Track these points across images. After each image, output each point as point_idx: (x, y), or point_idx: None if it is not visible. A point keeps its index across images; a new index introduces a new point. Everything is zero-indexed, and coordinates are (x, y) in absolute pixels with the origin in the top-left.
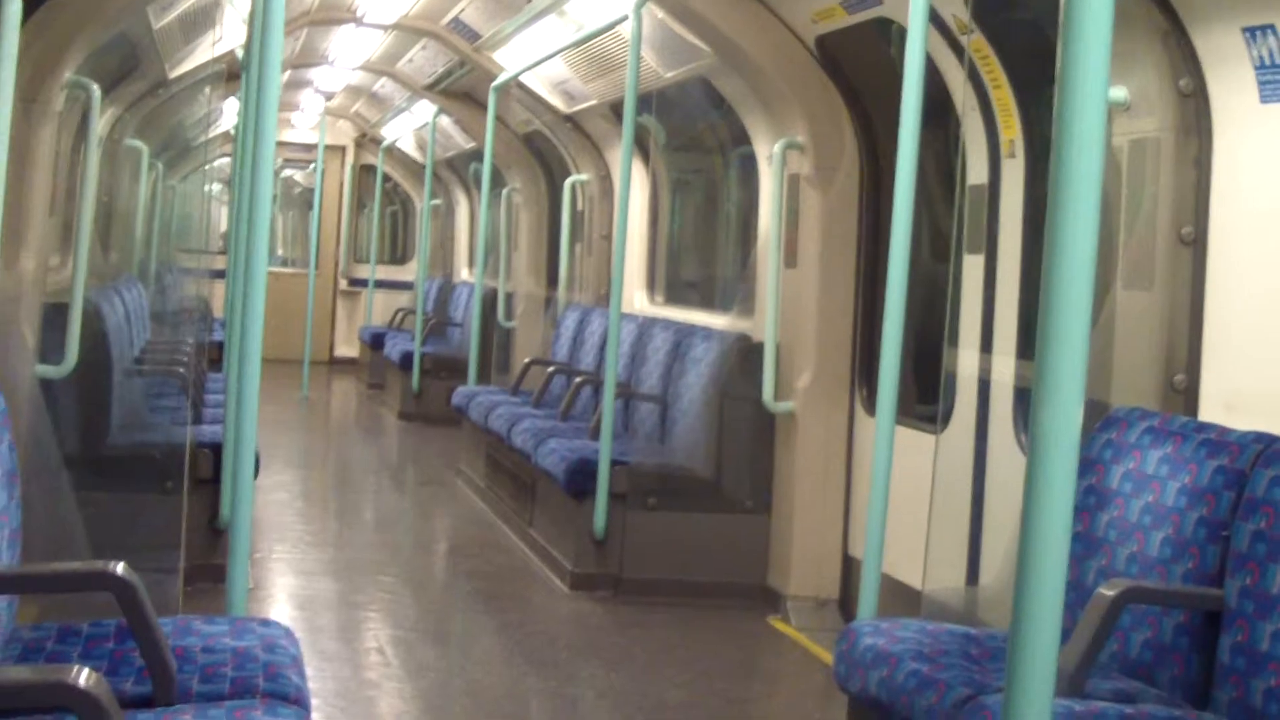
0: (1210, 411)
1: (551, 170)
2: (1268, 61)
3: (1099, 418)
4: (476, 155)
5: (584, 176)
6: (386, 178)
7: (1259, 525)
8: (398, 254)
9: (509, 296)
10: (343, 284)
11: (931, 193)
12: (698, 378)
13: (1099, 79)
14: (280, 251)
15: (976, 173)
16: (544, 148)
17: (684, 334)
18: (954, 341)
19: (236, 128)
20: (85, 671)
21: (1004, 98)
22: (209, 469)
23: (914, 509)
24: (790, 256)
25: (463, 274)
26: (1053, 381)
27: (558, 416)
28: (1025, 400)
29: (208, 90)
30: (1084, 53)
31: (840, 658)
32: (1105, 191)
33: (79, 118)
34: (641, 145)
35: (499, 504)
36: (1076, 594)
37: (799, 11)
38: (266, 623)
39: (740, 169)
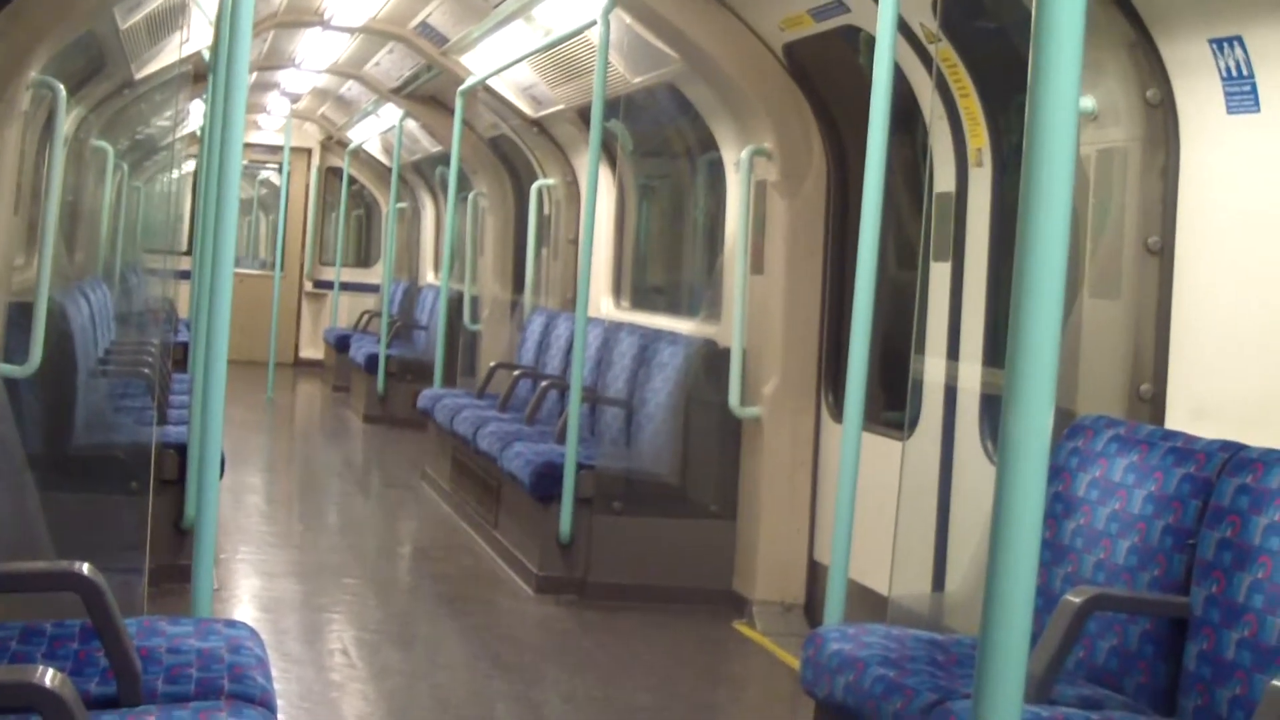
0: (1176, 420)
1: (518, 174)
2: (1234, 73)
3: (1066, 425)
4: (443, 159)
5: (550, 181)
6: (352, 180)
7: (1225, 534)
8: (363, 257)
9: (475, 300)
10: (308, 286)
11: (898, 201)
12: (664, 382)
13: (1070, 88)
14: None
15: (944, 181)
16: (510, 152)
17: (650, 339)
18: (921, 348)
19: (203, 129)
20: (50, 672)
21: (971, 106)
22: (174, 470)
23: (880, 515)
24: (757, 263)
25: (428, 277)
26: (1022, 389)
27: (524, 420)
28: (992, 407)
29: (174, 91)
30: (1055, 62)
31: (807, 663)
32: (1073, 201)
33: (44, 118)
34: (608, 150)
35: (464, 507)
36: (1043, 601)
37: (767, 19)
38: (232, 624)
39: (707, 175)
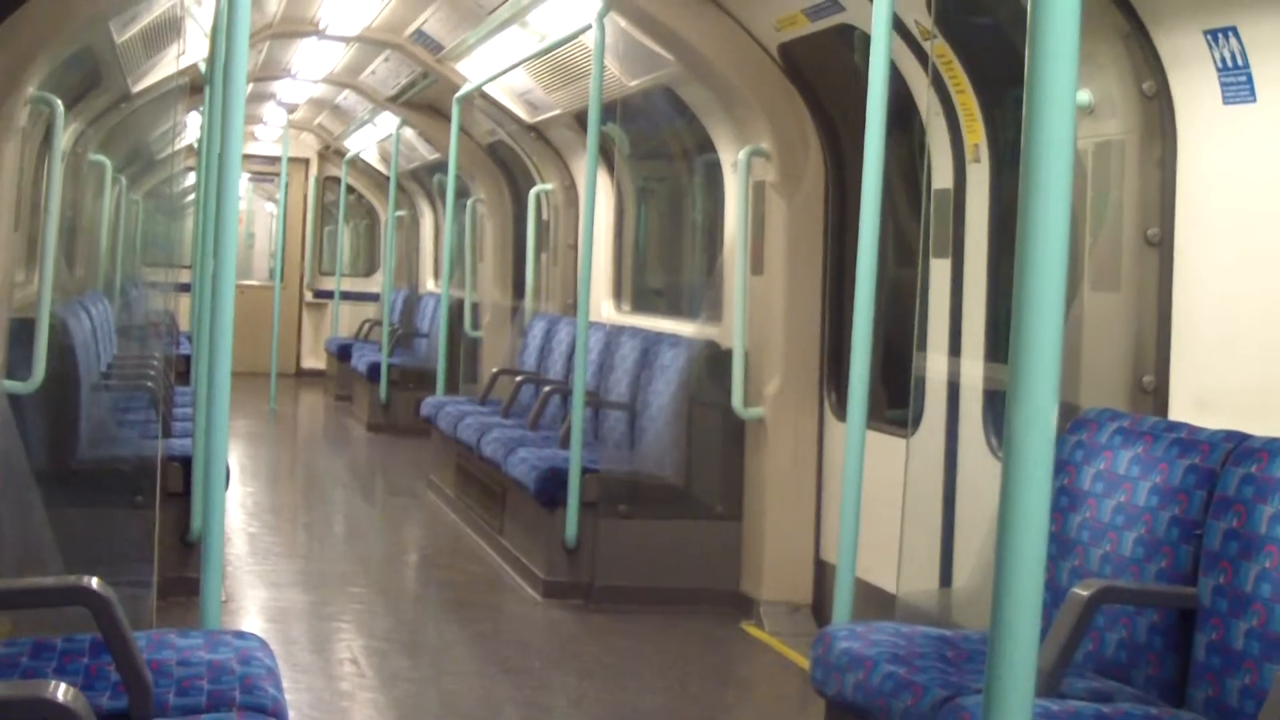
0: (1180, 411)
1: (516, 180)
2: (1230, 64)
3: (1069, 419)
4: (441, 166)
5: (549, 186)
6: (351, 190)
7: (1231, 524)
8: (363, 266)
9: (475, 306)
10: (308, 296)
11: (897, 198)
12: (666, 385)
13: (1067, 82)
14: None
15: (941, 177)
16: (508, 158)
17: (652, 341)
18: (923, 345)
19: (200, 141)
20: (63, 686)
21: (968, 102)
22: (179, 483)
23: (886, 513)
24: (757, 263)
25: (428, 285)
26: (1026, 384)
27: (527, 426)
28: (995, 403)
29: (171, 104)
30: (1051, 56)
31: (816, 662)
32: (1071, 195)
33: (42, 133)
34: (606, 154)
35: (469, 514)
36: (1051, 595)
37: (762, 19)
38: (242, 635)
39: (705, 176)
